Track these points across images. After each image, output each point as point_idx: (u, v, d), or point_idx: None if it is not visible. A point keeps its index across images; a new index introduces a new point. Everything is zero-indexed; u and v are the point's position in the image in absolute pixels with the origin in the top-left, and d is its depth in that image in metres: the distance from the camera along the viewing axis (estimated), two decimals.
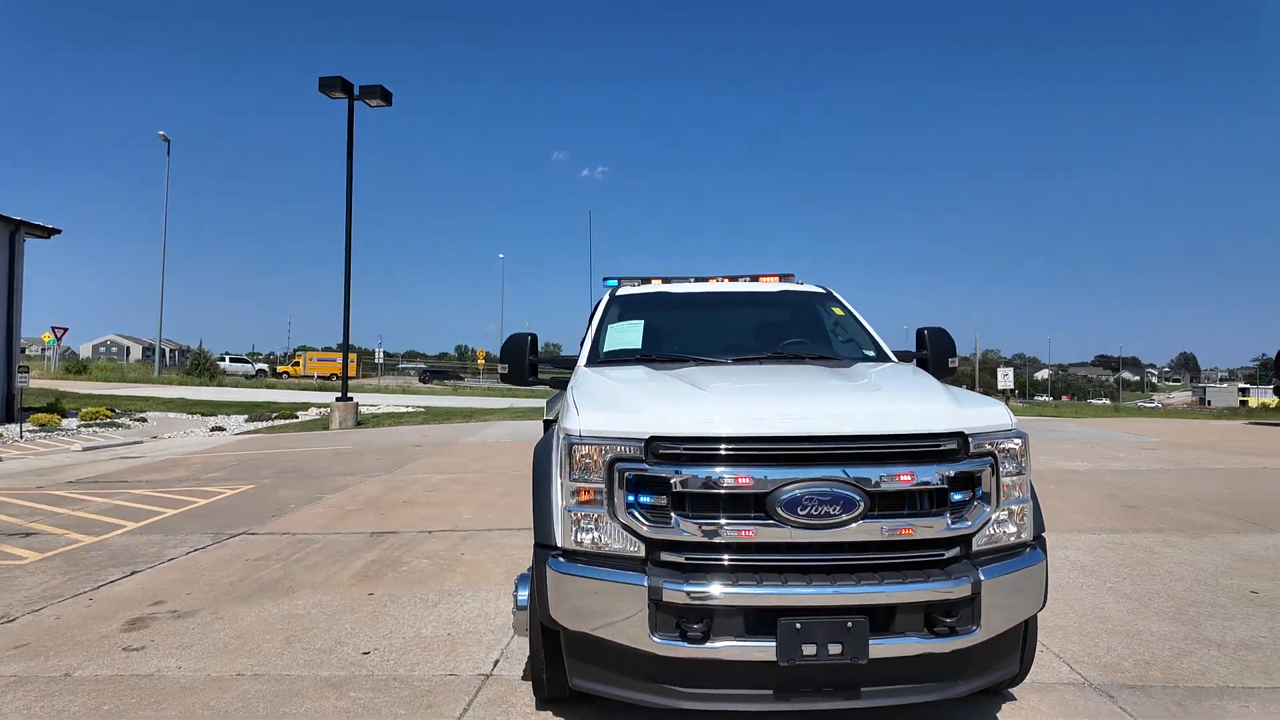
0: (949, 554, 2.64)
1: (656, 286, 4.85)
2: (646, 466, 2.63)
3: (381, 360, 72.18)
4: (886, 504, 2.58)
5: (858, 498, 2.54)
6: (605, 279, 5.54)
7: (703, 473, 2.57)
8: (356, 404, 19.19)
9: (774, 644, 2.49)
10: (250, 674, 3.59)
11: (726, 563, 2.58)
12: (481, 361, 68.52)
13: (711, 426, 2.64)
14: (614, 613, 2.59)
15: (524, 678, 3.49)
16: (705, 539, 2.57)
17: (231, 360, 57.40)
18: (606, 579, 2.62)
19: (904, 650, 2.55)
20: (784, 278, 5.18)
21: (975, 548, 2.68)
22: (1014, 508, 2.76)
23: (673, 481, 2.59)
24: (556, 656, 2.94)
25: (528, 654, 3.73)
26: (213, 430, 17.09)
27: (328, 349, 69.90)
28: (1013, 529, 2.77)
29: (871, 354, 4.12)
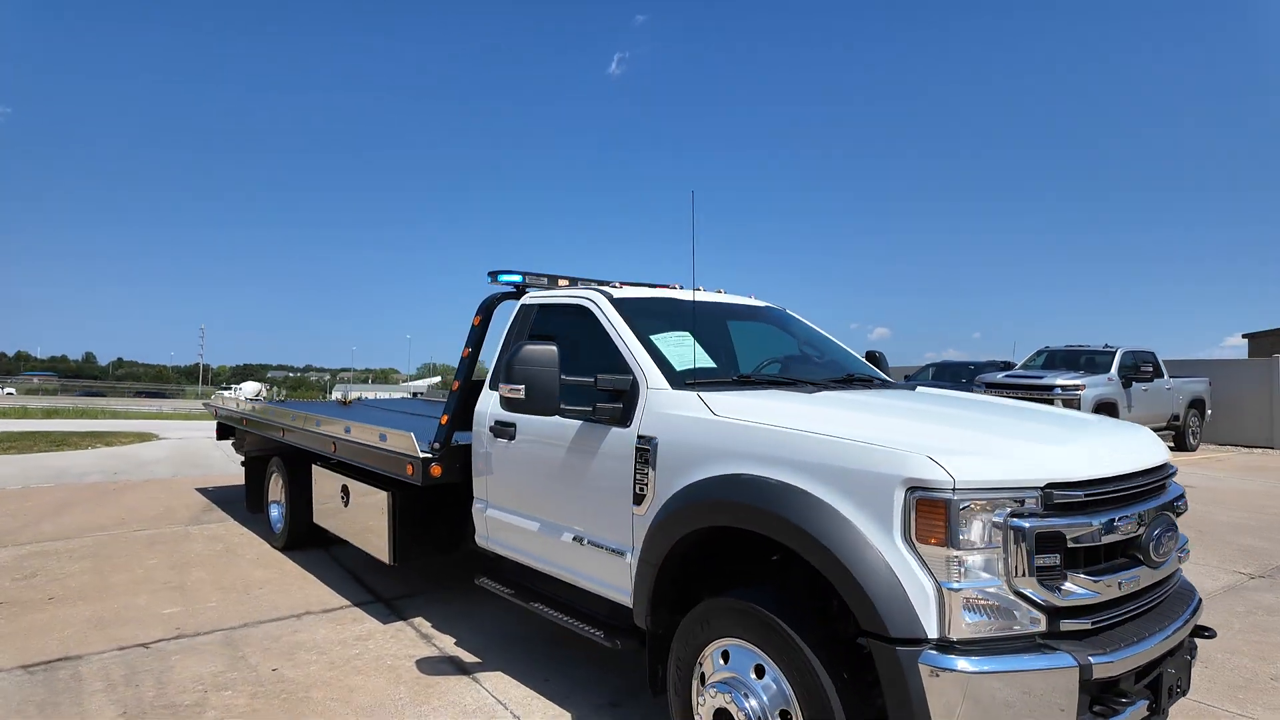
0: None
1: (663, 293, 4.01)
2: (1039, 521, 2.20)
3: None
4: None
5: (1177, 528, 2.56)
6: (497, 274, 4.38)
7: (1099, 520, 2.28)
8: None
9: (1145, 699, 2.34)
10: None
11: (1118, 618, 2.32)
12: None
13: (1101, 466, 2.36)
14: (1037, 708, 2.10)
15: None
16: (1105, 596, 2.27)
17: None
18: (1028, 668, 2.11)
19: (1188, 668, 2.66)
20: (668, 287, 4.82)
21: None
22: None
23: (1067, 535, 2.22)
24: None
25: None
26: None
27: None
28: None
29: (879, 378, 4.13)
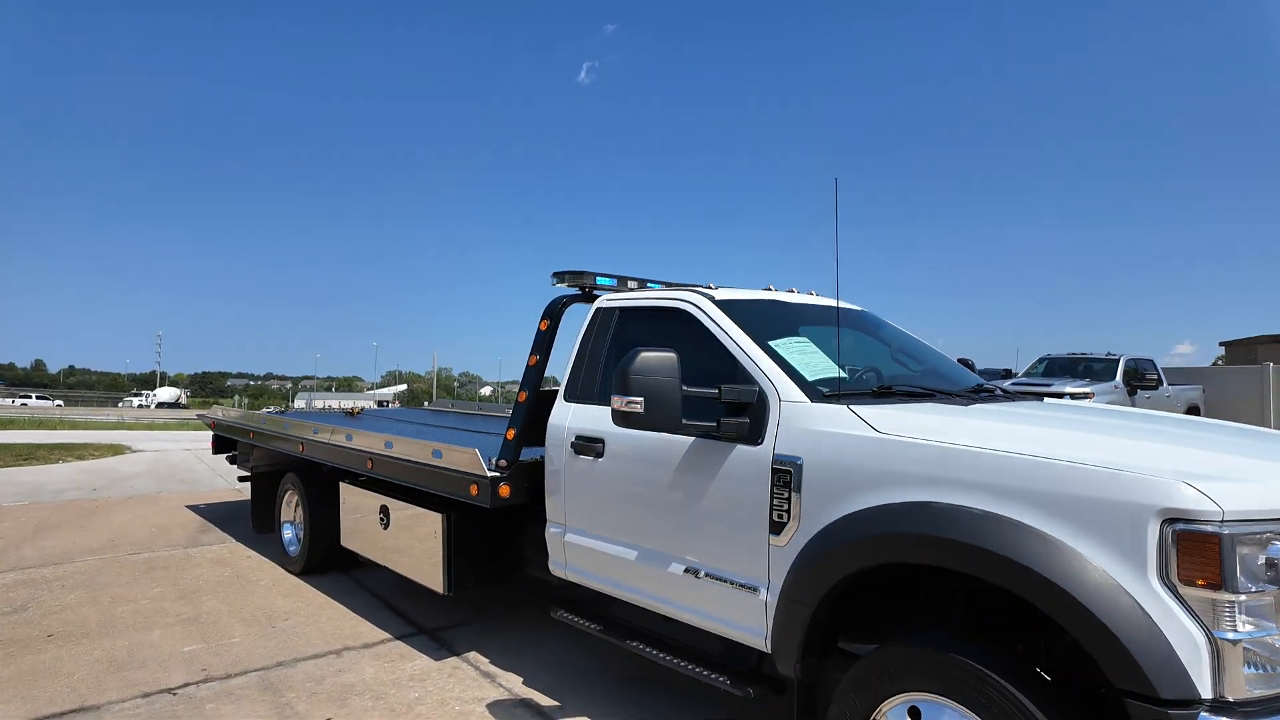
0: None
1: (767, 294, 3.65)
2: None
3: None
4: None
5: None
6: (563, 274, 4.02)
7: None
8: None
9: None
10: None
11: None
12: None
13: None
14: None
15: None
16: None
17: None
18: None
19: None
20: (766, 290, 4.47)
21: None
22: None
23: None
24: None
25: None
26: None
27: None
28: None
29: (1002, 388, 3.83)
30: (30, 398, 66.19)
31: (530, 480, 3.81)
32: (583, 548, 3.49)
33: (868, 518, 2.36)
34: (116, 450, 14.29)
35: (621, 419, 2.79)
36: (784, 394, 2.78)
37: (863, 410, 2.60)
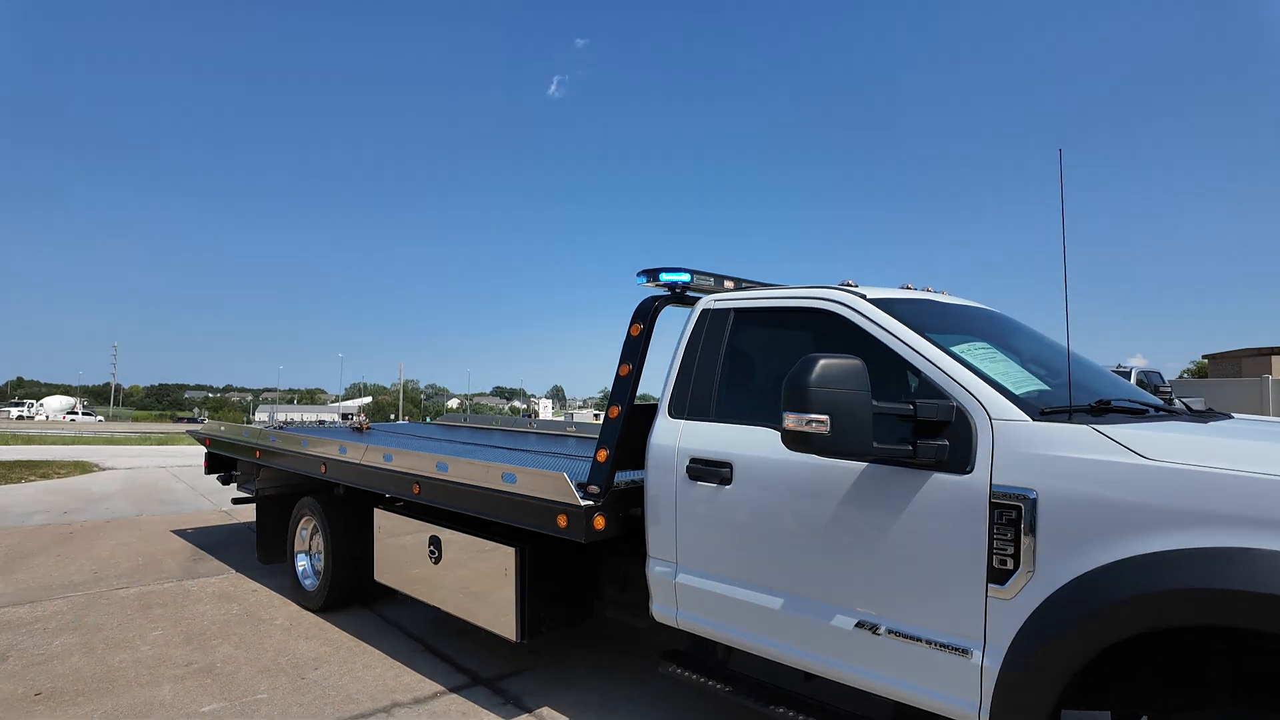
0: None
1: (923, 294, 3.16)
2: None
3: None
4: None
5: None
6: (656, 272, 3.51)
7: None
8: None
9: None
10: None
11: None
12: None
13: None
14: None
15: None
16: None
17: None
18: None
19: None
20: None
21: None
22: None
23: None
24: None
25: None
26: None
27: None
28: None
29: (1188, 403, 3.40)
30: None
31: (623, 509, 3.29)
32: (703, 592, 2.96)
33: (1157, 567, 1.87)
34: (84, 468, 13.32)
35: (797, 441, 2.27)
36: (994, 411, 2.30)
37: (1113, 431, 2.12)
